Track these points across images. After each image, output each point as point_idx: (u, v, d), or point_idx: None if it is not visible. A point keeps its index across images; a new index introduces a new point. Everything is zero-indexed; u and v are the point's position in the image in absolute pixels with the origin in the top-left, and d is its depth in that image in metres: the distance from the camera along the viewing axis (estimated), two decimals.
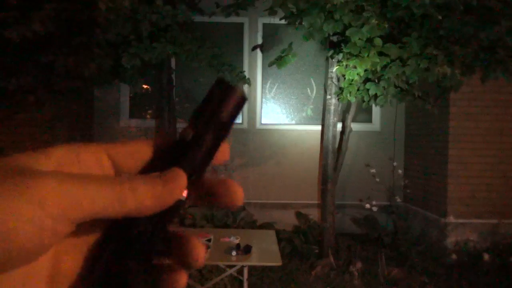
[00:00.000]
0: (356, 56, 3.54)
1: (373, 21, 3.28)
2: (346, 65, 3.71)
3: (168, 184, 0.25)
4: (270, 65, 4.24)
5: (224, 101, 0.26)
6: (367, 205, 4.67)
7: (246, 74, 5.40)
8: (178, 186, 0.25)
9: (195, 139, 0.26)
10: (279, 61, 4.10)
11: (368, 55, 3.48)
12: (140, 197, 0.24)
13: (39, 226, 0.21)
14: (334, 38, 3.75)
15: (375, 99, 3.82)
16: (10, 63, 3.49)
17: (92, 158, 0.26)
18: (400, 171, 5.22)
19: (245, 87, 5.14)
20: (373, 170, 4.95)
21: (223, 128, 0.27)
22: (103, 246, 0.25)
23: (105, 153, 0.27)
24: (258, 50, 5.46)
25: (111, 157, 0.27)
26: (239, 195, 0.28)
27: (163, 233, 0.26)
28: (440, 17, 3.22)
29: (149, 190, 0.24)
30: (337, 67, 3.81)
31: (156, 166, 0.26)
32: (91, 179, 0.23)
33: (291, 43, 4.14)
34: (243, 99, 0.27)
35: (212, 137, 0.26)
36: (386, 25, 3.35)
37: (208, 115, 0.26)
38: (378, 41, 3.43)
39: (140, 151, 0.28)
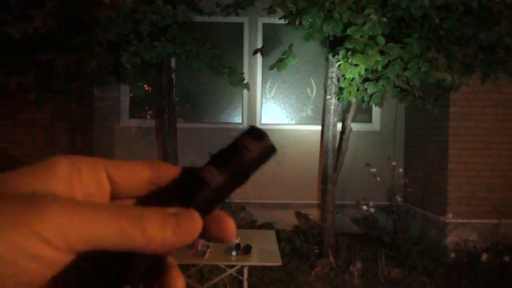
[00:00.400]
0: (361, 53, 3.51)
1: (373, 16, 3.27)
2: (350, 62, 3.68)
3: (182, 228, 0.23)
4: (271, 68, 4.24)
5: (253, 148, 0.26)
6: (364, 207, 4.67)
7: (246, 74, 5.41)
8: (192, 233, 0.24)
9: (221, 184, 0.25)
10: (279, 63, 4.10)
11: (371, 53, 3.46)
12: (149, 236, 0.22)
13: (41, 259, 0.20)
14: (336, 34, 3.73)
15: (371, 98, 3.82)
16: (10, 61, 3.49)
17: (92, 174, 0.25)
18: (400, 170, 5.22)
19: (245, 91, 5.15)
20: (373, 170, 4.95)
21: (246, 175, 0.26)
22: (90, 269, 0.23)
23: (104, 170, 0.26)
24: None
25: (110, 176, 0.26)
26: (231, 230, 0.27)
27: (157, 268, 0.25)
28: (437, 21, 3.22)
29: (159, 230, 0.23)
30: (340, 63, 3.79)
31: (165, 197, 0.25)
32: (98, 209, 0.22)
33: (291, 45, 4.13)
34: (272, 149, 0.26)
35: (233, 182, 0.25)
36: (385, 19, 3.33)
37: (236, 162, 0.25)
38: (380, 39, 3.42)
39: (140, 173, 0.27)
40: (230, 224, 0.27)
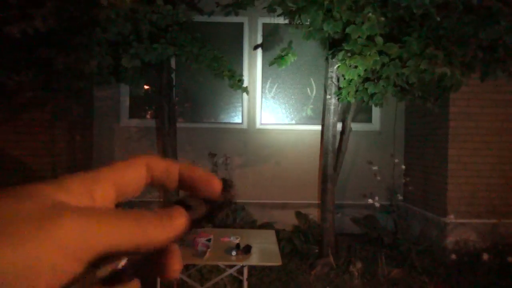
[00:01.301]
0: (359, 54, 3.52)
1: (371, 15, 3.26)
2: (348, 63, 3.69)
3: (175, 225, 0.26)
4: (271, 64, 4.24)
5: (226, 193, 0.32)
6: (370, 200, 4.63)
7: (246, 74, 5.42)
8: (182, 228, 0.27)
9: (203, 212, 0.30)
10: (279, 60, 4.10)
11: (369, 54, 3.46)
12: (151, 236, 0.25)
13: (63, 271, 0.21)
14: (335, 36, 3.74)
15: (372, 98, 3.82)
16: (11, 61, 3.49)
17: (101, 191, 0.27)
18: (403, 166, 5.23)
19: (244, 94, 5.16)
20: (375, 167, 4.95)
21: (217, 213, 0.31)
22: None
23: (112, 185, 0.28)
24: (258, 50, 5.47)
25: (116, 186, 0.28)
26: (217, 188, 0.31)
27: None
28: (439, 19, 3.21)
29: (158, 230, 0.25)
30: (339, 65, 3.79)
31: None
32: (109, 218, 0.23)
33: (290, 42, 4.14)
34: (233, 199, 0.33)
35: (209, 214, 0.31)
36: (383, 19, 3.32)
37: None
38: (379, 40, 3.42)
39: (140, 175, 0.29)
40: (216, 183, 0.31)
